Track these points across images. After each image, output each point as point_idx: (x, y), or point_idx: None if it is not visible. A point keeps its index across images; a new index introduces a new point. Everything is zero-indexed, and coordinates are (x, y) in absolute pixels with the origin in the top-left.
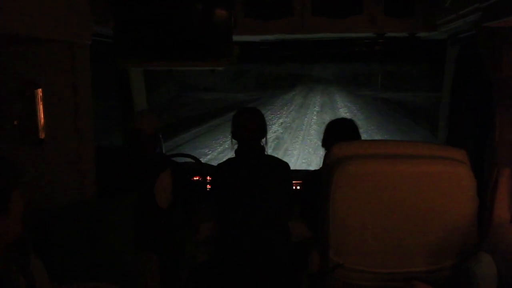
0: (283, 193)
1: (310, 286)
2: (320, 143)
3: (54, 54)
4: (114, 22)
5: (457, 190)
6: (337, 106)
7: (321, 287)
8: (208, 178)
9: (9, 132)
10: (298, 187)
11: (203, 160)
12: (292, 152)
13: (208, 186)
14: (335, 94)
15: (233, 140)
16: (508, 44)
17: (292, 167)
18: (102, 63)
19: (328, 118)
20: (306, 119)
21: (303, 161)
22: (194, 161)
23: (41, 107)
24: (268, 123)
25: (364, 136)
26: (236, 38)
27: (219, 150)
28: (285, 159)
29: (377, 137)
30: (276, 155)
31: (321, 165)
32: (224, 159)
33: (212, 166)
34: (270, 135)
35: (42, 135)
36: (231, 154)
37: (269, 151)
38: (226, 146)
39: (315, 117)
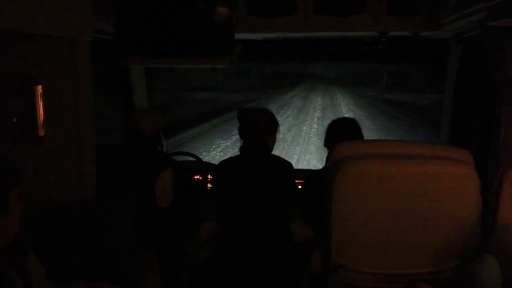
0: (285, 193)
1: (311, 286)
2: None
3: (55, 51)
4: (115, 19)
5: (461, 191)
6: (341, 110)
7: (323, 287)
8: (209, 176)
9: (8, 130)
10: (300, 187)
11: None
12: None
13: (209, 185)
14: (337, 94)
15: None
16: None
17: None
18: (103, 60)
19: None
20: (305, 128)
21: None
22: (195, 159)
23: (41, 104)
24: None
25: (366, 137)
26: (238, 36)
27: (212, 154)
28: None
29: (379, 137)
30: None
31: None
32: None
33: (213, 164)
34: None
35: (42, 133)
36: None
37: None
38: (219, 152)
39: (315, 125)
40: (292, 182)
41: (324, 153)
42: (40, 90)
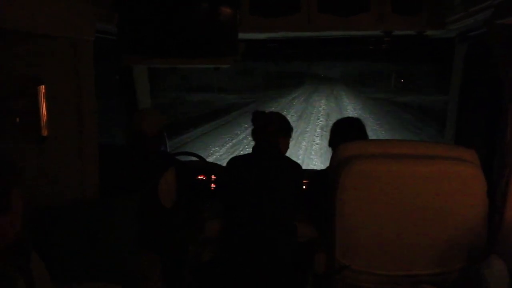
0: (291, 194)
1: (315, 286)
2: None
3: (57, 51)
4: (117, 19)
5: (466, 191)
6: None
7: None
8: (213, 177)
9: (11, 130)
10: (305, 187)
11: None
12: None
13: (213, 185)
14: (343, 97)
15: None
16: None
17: None
18: (106, 60)
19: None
20: (304, 143)
21: None
22: (198, 159)
23: (43, 104)
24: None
25: (372, 137)
26: (241, 35)
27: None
28: None
29: (384, 137)
30: None
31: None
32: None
33: (217, 164)
34: None
35: (44, 133)
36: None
37: None
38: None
39: (318, 139)
40: (299, 183)
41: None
42: (43, 90)
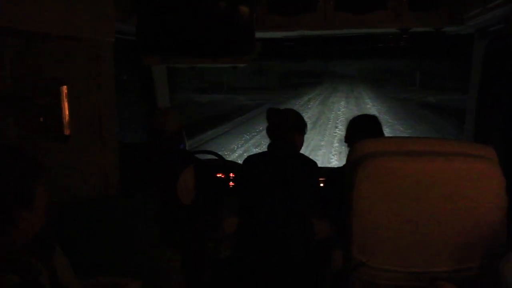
0: (307, 192)
1: (333, 284)
2: None
3: (79, 52)
4: (137, 19)
5: (485, 188)
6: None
7: (344, 285)
8: (231, 175)
9: (35, 129)
10: (322, 185)
11: None
12: None
13: (231, 183)
14: (364, 97)
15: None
16: None
17: None
18: (126, 60)
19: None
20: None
21: None
22: (217, 158)
23: (66, 104)
24: None
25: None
26: (258, 34)
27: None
28: None
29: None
30: None
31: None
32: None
33: (236, 163)
34: None
35: (67, 132)
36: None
37: None
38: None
39: (334, 159)
40: (315, 181)
41: None
42: (65, 90)
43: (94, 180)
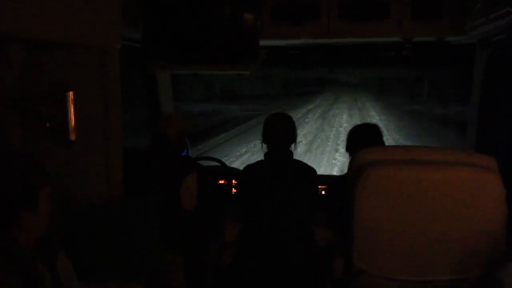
0: (307, 199)
1: None
2: None
3: (85, 58)
4: (142, 27)
5: (484, 198)
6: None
7: None
8: (234, 181)
9: (41, 134)
10: (324, 192)
11: None
12: None
13: (234, 190)
14: (369, 109)
15: (263, 143)
16: None
17: None
18: (131, 67)
19: None
20: None
21: None
22: (220, 164)
23: (72, 109)
24: None
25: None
26: (262, 42)
27: None
28: None
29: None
30: None
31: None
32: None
33: (238, 170)
34: None
35: (72, 137)
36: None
37: None
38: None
39: None
40: (314, 188)
41: None
42: (71, 96)
43: (98, 185)
